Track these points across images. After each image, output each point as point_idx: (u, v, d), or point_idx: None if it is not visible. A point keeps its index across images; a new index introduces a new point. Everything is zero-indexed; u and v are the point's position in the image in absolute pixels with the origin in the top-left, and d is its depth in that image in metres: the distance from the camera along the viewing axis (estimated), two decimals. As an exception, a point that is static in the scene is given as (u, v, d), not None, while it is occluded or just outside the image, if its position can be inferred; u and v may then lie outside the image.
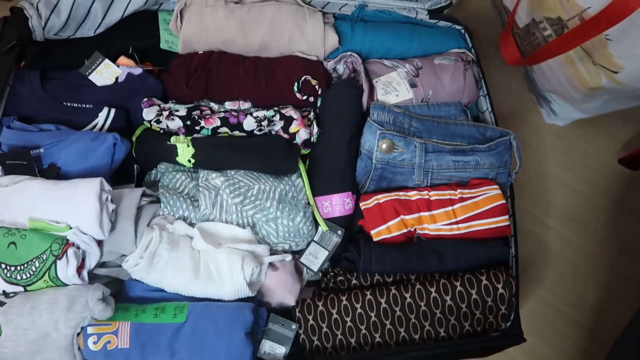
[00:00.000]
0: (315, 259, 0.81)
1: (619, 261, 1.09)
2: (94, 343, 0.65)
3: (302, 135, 0.82)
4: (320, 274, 0.79)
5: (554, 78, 1.08)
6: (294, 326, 0.72)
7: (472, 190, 0.78)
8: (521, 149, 0.84)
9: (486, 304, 0.72)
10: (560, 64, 1.04)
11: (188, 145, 0.80)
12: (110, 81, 0.84)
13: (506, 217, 0.77)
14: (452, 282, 0.72)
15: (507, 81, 1.23)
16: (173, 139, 0.81)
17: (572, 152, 1.19)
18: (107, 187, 0.70)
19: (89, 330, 0.65)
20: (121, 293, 0.73)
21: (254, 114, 0.83)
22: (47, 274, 0.66)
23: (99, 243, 0.70)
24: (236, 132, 0.83)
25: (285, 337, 0.72)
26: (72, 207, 0.68)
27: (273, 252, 0.78)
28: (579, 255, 1.09)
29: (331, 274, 0.78)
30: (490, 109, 0.90)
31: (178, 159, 0.80)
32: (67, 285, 0.67)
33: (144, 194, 0.76)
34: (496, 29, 1.21)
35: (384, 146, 0.79)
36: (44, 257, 0.66)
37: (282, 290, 0.76)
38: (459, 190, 0.78)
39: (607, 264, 1.09)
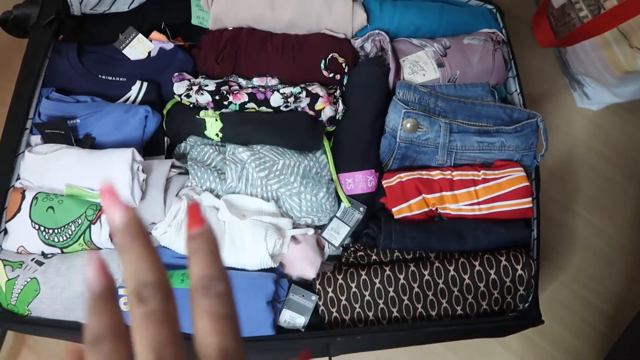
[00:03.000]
0: (337, 234, 0.82)
1: (647, 251, 1.07)
2: (125, 304, 0.68)
3: (327, 112, 0.83)
4: (341, 249, 0.81)
5: (588, 60, 1.06)
6: (314, 297, 0.75)
7: (496, 172, 0.78)
8: (551, 132, 0.83)
9: (504, 284, 0.73)
10: (595, 46, 1.01)
11: (216, 120, 0.82)
12: (143, 55, 0.87)
13: (529, 199, 0.76)
14: (471, 261, 0.73)
15: (539, 63, 1.20)
16: (202, 113, 0.84)
17: (604, 138, 1.17)
18: (138, 157, 0.73)
19: (121, 292, 0.69)
20: (150, 259, 0.76)
21: (281, 91, 0.84)
22: (82, 237, 0.70)
23: (130, 210, 0.73)
24: (263, 108, 0.85)
25: (305, 308, 0.75)
26: (105, 175, 0.71)
27: (296, 225, 0.80)
28: (604, 243, 1.08)
29: (352, 249, 0.79)
30: (519, 91, 0.89)
31: (206, 132, 0.83)
32: (100, 249, 0.71)
33: (173, 166, 0.79)
34: (530, 10, 1.19)
35: (408, 125, 0.79)
36: (80, 221, 0.70)
37: (303, 262, 0.78)
38: (482, 171, 0.78)
39: (633, 252, 1.07)
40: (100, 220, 0.70)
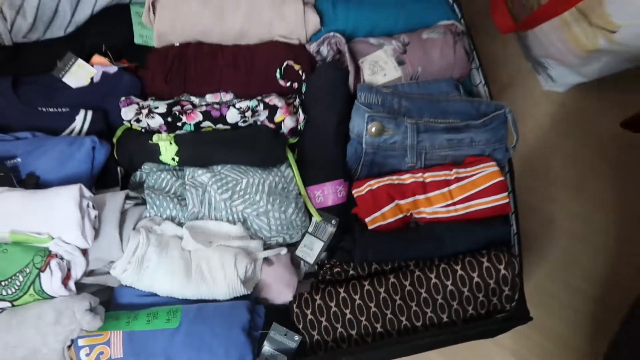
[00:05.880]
0: (311, 250, 0.78)
1: (628, 228, 1.06)
2: (87, 355, 0.63)
3: (288, 123, 0.78)
4: (316, 266, 0.76)
5: (549, 43, 1.04)
6: (296, 337, 0.70)
7: (468, 169, 0.75)
8: (520, 119, 0.80)
9: (489, 287, 0.69)
10: (555, 27, 0.99)
11: (171, 143, 0.77)
12: (85, 82, 0.81)
13: (505, 194, 0.74)
14: (452, 266, 0.70)
15: (501, 51, 1.19)
16: (155, 138, 0.79)
17: (573, 119, 1.15)
18: (87, 193, 0.68)
19: (80, 342, 0.63)
20: (112, 300, 0.71)
21: (237, 105, 0.79)
22: (31, 287, 0.64)
23: (84, 252, 0.68)
24: (220, 126, 0.80)
25: (287, 348, 0.69)
26: (52, 216, 0.65)
27: (267, 246, 0.76)
28: (585, 226, 1.06)
29: (327, 266, 0.75)
30: (483, 82, 0.86)
31: (161, 157, 0.78)
32: (53, 297, 0.65)
33: (127, 197, 0.74)
34: (486, -4, 1.16)
35: (373, 129, 0.75)
36: (27, 270, 0.64)
37: (279, 284, 0.73)
38: (454, 170, 0.75)
39: (615, 231, 1.06)
40: (49, 267, 0.64)
